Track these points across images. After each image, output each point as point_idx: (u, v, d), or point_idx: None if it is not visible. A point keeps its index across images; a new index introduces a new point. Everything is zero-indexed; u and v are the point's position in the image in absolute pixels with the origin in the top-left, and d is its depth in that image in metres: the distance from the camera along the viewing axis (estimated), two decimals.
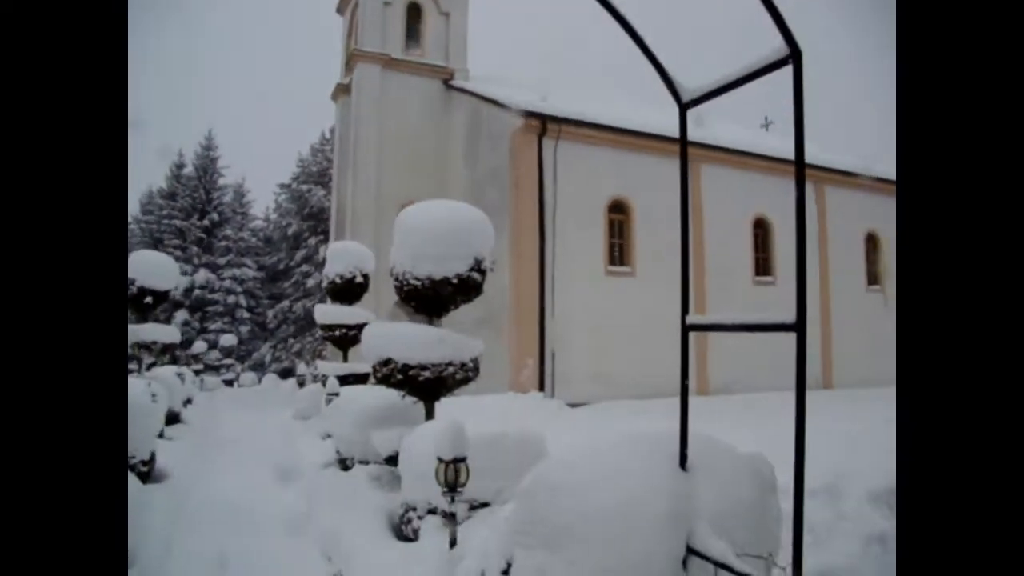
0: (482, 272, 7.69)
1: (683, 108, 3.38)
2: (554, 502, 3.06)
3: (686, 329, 3.21)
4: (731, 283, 20.81)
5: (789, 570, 2.71)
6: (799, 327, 2.53)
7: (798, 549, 2.52)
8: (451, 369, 7.61)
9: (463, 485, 5.04)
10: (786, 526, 4.81)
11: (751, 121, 30.99)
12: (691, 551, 3.00)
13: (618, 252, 20.15)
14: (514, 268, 18.26)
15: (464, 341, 7.80)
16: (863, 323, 23.08)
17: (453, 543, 5.10)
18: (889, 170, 25.96)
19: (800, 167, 2.65)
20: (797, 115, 2.68)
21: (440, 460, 5.02)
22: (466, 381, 7.90)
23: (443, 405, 8.31)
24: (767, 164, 21.83)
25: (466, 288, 7.61)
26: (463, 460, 5.01)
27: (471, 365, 7.83)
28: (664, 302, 19.71)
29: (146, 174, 44.30)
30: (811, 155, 23.20)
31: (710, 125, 20.93)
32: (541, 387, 17.76)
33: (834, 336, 22.96)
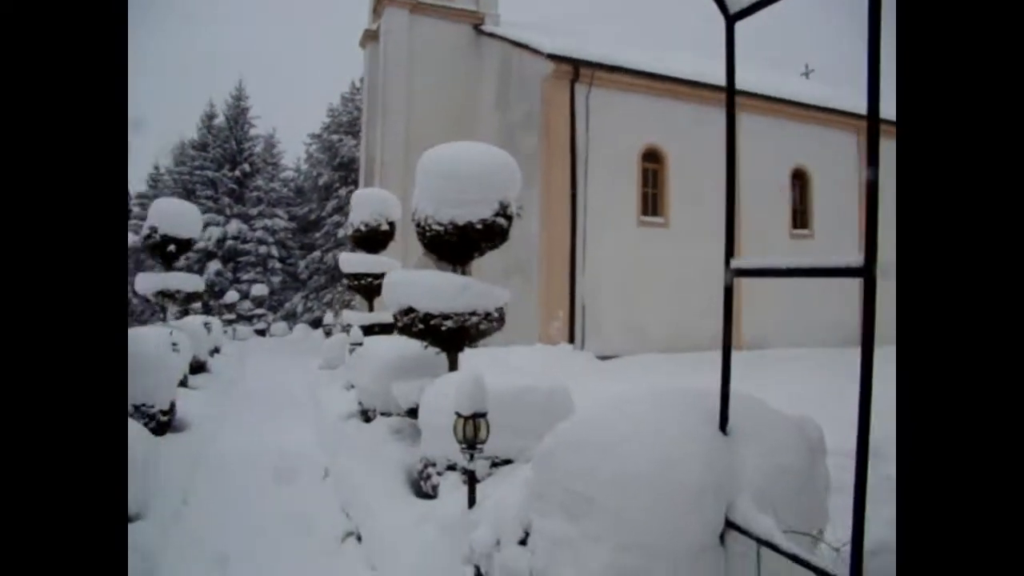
0: (508, 217, 7.28)
1: (731, 20, 2.93)
2: (576, 466, 2.72)
3: (732, 275, 2.81)
4: (767, 236, 20.20)
5: (844, 551, 2.36)
6: (867, 271, 2.13)
7: (859, 528, 2.16)
8: (475, 319, 7.27)
9: (483, 442, 4.73)
10: (840, 499, 4.45)
11: (791, 69, 29.91)
12: (731, 525, 2.65)
13: (651, 202, 19.59)
14: (545, 217, 17.83)
15: (489, 290, 7.44)
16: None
17: (472, 502, 4.82)
18: None
19: (874, 85, 2.20)
20: (873, 23, 2.22)
21: (458, 415, 4.70)
22: (490, 331, 7.55)
23: (468, 356, 8.01)
24: (807, 113, 21.10)
25: (491, 233, 7.21)
26: (483, 415, 4.69)
27: (496, 315, 7.47)
28: (698, 254, 19.23)
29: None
30: (853, 102, 22.34)
31: (747, 71, 20.13)
32: (571, 339, 17.45)
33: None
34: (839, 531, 3.05)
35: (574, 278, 17.84)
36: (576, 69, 18.01)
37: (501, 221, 7.22)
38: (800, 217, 21.74)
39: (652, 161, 19.55)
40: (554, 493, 2.78)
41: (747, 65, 20.25)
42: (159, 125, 56.39)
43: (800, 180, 21.84)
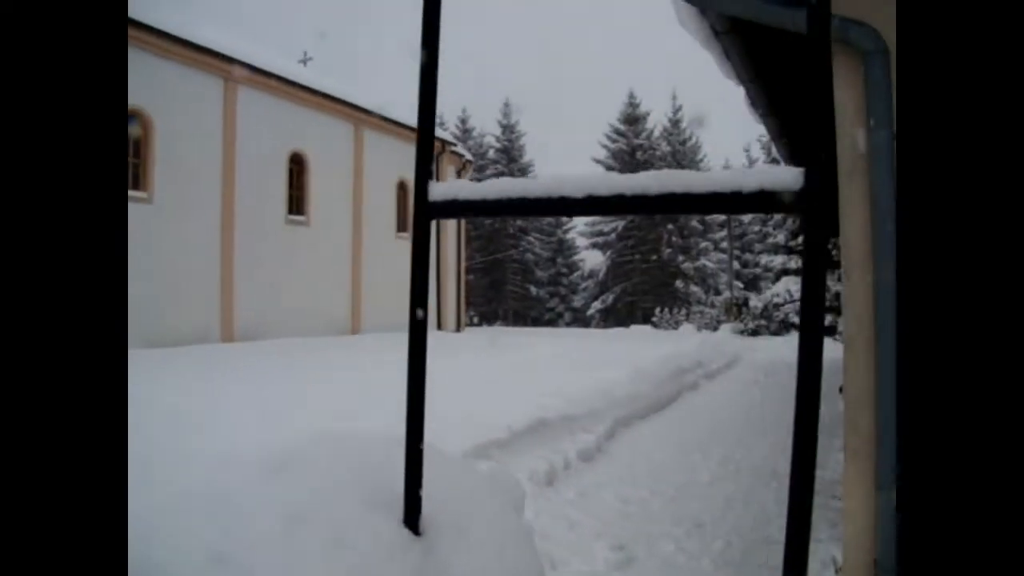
0: None
1: None
2: None
3: (428, 211, 1.68)
4: (262, 223, 19.27)
5: None
6: (810, 199, 1.25)
7: None
8: None
9: None
10: None
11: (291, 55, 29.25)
12: None
13: (133, 172, 17.01)
14: None
15: None
16: (391, 269, 23.20)
17: None
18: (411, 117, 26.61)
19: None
20: None
21: None
22: None
23: None
24: (309, 97, 20.81)
25: None
26: None
27: None
28: (188, 233, 17.34)
29: None
30: (353, 96, 22.52)
31: (250, 44, 18.81)
32: None
33: (364, 281, 22.78)
34: None
35: None
36: None
37: None
38: (296, 203, 21.14)
39: (136, 125, 17.01)
40: None
41: (247, 38, 18.99)
42: None
43: (298, 165, 21.23)
